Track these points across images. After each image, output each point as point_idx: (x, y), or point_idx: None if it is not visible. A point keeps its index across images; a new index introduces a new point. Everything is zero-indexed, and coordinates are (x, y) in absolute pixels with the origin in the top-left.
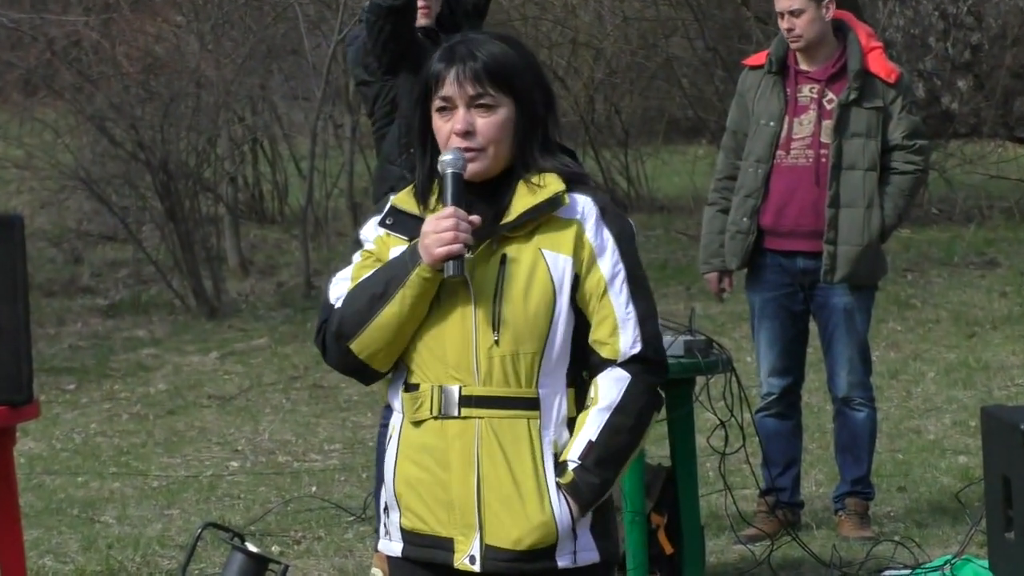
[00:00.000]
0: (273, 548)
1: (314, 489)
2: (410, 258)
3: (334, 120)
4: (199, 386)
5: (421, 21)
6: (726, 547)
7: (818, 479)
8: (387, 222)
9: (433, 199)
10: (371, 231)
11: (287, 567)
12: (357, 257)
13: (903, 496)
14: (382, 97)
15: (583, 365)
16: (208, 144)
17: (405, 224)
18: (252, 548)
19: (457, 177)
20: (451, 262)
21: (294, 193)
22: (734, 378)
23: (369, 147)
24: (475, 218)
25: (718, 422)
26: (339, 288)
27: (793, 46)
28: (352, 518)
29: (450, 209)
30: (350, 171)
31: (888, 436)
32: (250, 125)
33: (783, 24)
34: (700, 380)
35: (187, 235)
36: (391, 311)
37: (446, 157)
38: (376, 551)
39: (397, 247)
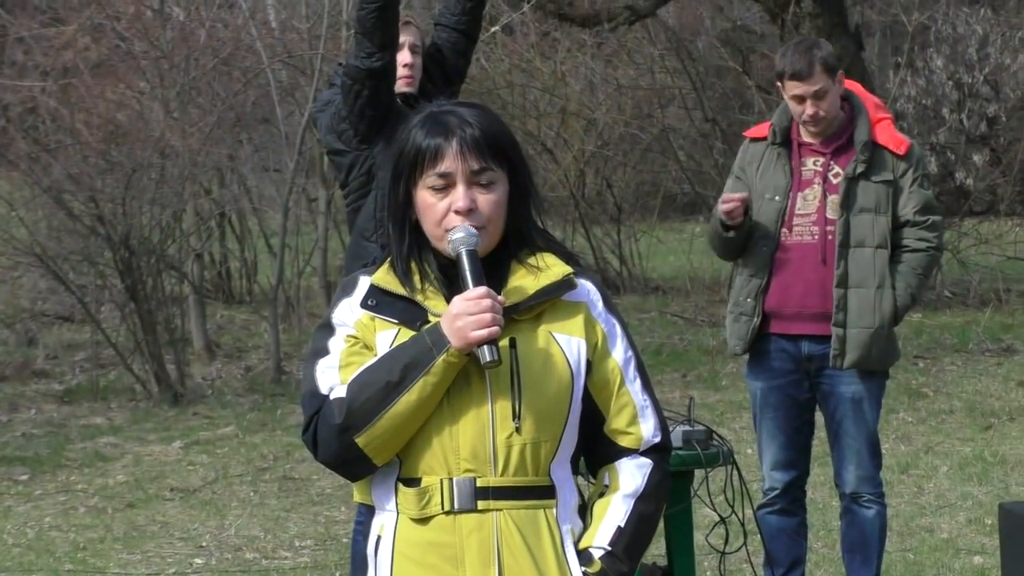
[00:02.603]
0: None
1: None
2: (434, 342)
3: (307, 194)
4: (161, 478)
5: (402, 88)
6: None
7: None
8: (370, 303)
9: (415, 279)
10: (347, 314)
11: None
12: (340, 343)
13: None
14: (357, 167)
15: (580, 451)
16: (173, 218)
17: (391, 306)
18: None
19: (474, 255)
20: (487, 347)
21: (264, 271)
22: (735, 472)
23: (344, 222)
24: (502, 299)
25: (718, 518)
26: (329, 377)
27: (814, 130)
28: None
29: (483, 289)
30: (324, 248)
31: (898, 534)
32: (217, 199)
33: (806, 110)
34: (699, 474)
35: (149, 315)
36: (409, 400)
37: (458, 235)
38: None
39: (385, 331)
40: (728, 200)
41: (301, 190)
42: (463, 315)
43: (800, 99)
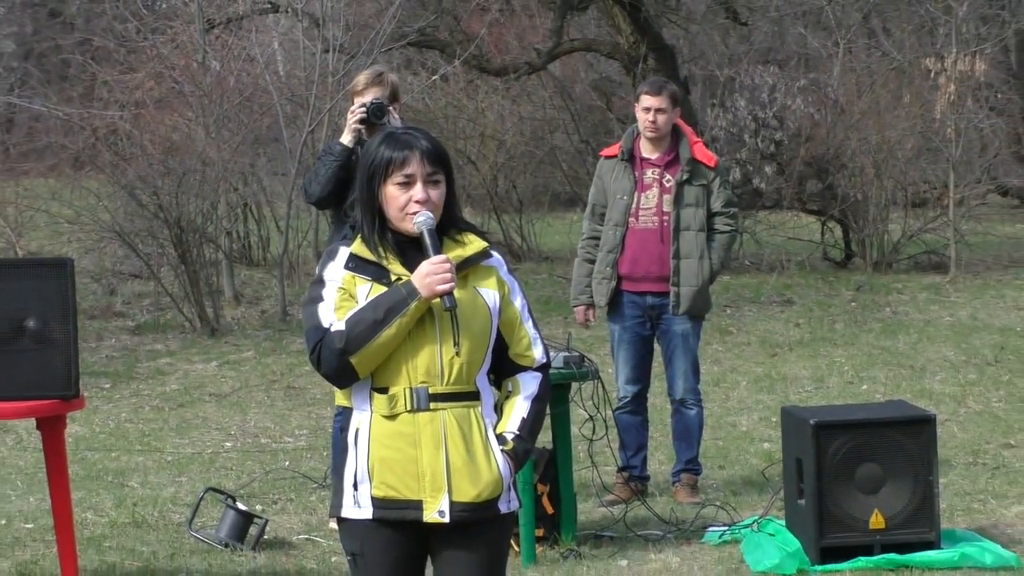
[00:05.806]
0: (257, 507)
1: (287, 463)
2: (408, 293)
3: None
4: (203, 387)
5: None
6: (593, 509)
7: (660, 459)
8: (350, 265)
9: (380, 250)
10: (336, 272)
11: (267, 521)
12: (332, 292)
13: (723, 472)
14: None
15: (492, 368)
16: (211, 207)
17: (365, 268)
18: (241, 507)
19: (433, 232)
20: (446, 297)
21: (274, 244)
22: (600, 384)
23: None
24: (454, 263)
25: (587, 416)
26: (328, 316)
27: (649, 135)
28: (315, 485)
29: (444, 256)
30: (315, 228)
31: (711, 428)
32: (242, 193)
33: (648, 117)
34: (574, 385)
35: (195, 274)
36: (388, 333)
37: (421, 219)
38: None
39: (362, 285)
40: (582, 322)
41: (300, 188)
42: (431, 274)
43: (647, 110)
